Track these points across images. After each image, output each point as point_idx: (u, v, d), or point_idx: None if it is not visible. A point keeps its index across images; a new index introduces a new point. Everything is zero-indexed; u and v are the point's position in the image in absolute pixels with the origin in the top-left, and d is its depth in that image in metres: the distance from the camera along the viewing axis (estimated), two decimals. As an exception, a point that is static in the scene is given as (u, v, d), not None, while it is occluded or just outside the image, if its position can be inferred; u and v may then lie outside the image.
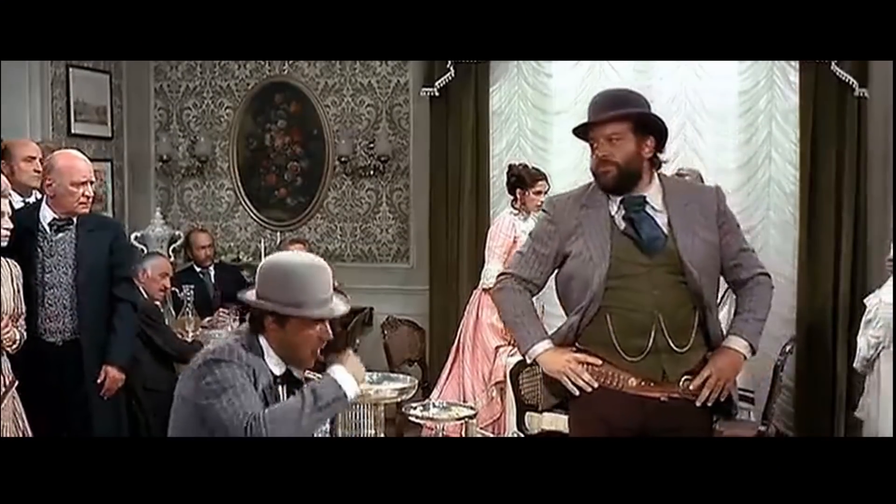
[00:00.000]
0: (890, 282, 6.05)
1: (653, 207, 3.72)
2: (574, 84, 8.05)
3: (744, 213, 7.67)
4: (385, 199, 8.64)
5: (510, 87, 8.18)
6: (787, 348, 6.59)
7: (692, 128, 7.89)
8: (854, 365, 6.29)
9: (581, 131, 3.82)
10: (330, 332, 3.31)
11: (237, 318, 6.92)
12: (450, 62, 7.89)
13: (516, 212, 6.84)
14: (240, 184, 8.99)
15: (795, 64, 7.61)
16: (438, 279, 8.19)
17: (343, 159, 8.57)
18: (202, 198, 9.06)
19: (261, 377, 3.19)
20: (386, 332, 7.35)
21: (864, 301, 6.28)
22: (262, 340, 3.28)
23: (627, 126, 3.70)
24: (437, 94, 8.06)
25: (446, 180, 8.10)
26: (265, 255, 8.51)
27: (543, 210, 4.01)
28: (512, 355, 6.33)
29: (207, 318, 6.90)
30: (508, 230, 6.75)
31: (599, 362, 3.73)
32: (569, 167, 7.80)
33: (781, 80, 7.75)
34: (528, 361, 4.00)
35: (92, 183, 5.28)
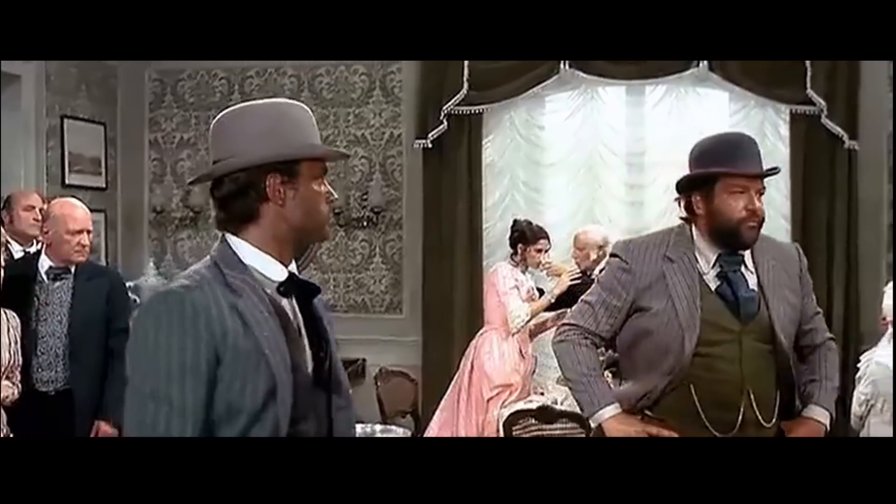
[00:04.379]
0: (883, 341, 6.06)
1: (745, 266, 3.44)
2: (567, 136, 8.11)
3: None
4: (378, 250, 8.65)
5: (503, 139, 8.23)
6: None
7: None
8: (851, 423, 6.30)
9: (708, 176, 3.33)
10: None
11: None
12: (443, 115, 7.94)
13: (515, 264, 6.87)
14: (233, 235, 8.96)
15: (786, 116, 7.69)
16: (431, 330, 8.19)
17: (336, 210, 8.58)
18: (196, 248, 9.05)
19: (247, 300, 2.25)
20: (379, 383, 7.33)
21: (861, 357, 6.28)
22: (235, 239, 2.35)
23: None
24: (430, 145, 8.11)
25: (440, 231, 8.12)
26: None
27: (616, 256, 3.52)
28: (504, 406, 6.31)
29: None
30: (510, 275, 6.77)
31: (676, 435, 3.34)
32: (563, 219, 7.86)
33: (772, 132, 7.83)
34: (592, 425, 3.56)
35: (89, 232, 5.28)
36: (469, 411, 6.73)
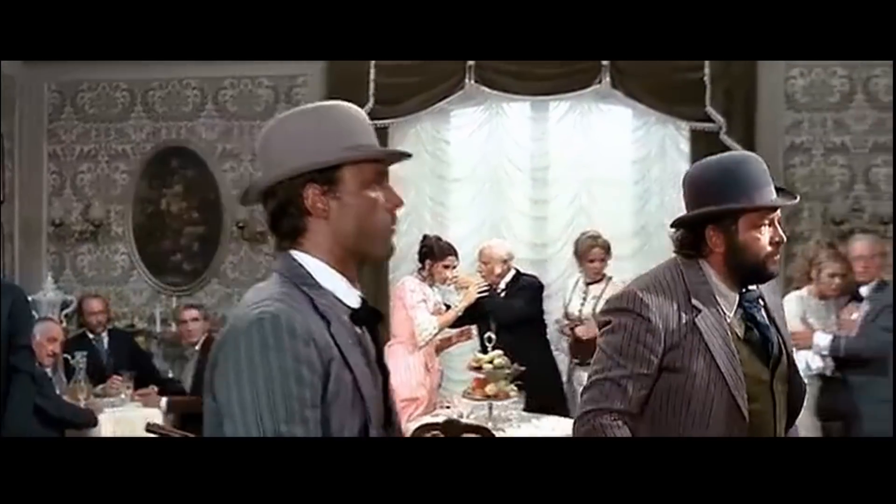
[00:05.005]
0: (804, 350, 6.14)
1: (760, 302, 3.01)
2: (472, 151, 8.17)
3: (638, 278, 7.83)
4: (283, 264, 8.56)
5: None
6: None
7: (587, 195, 8.04)
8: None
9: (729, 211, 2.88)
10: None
11: (131, 385, 6.79)
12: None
13: (422, 279, 6.87)
14: (135, 248, 8.85)
15: (686, 133, 7.84)
16: (337, 345, 8.14)
17: (240, 224, 8.51)
18: (96, 262, 8.90)
19: (337, 328, 2.02)
20: (283, 398, 7.25)
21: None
22: (303, 255, 2.09)
23: None
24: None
25: (346, 246, 8.08)
26: (160, 321, 8.40)
27: (630, 311, 2.83)
28: (411, 420, 6.30)
29: (100, 386, 6.75)
30: (418, 289, 6.77)
31: None
32: (468, 233, 7.89)
33: (672, 148, 7.99)
34: None
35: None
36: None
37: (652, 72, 7.55)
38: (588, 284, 7.04)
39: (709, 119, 7.68)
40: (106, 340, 7.67)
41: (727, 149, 7.58)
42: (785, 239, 2.89)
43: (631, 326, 2.82)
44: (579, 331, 6.89)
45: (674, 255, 2.96)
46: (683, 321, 2.82)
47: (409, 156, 2.26)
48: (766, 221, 2.86)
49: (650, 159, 8.03)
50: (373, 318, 2.13)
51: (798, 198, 3.17)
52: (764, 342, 2.88)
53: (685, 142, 7.89)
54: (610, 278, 7.01)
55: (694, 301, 2.84)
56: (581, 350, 6.78)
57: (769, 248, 2.85)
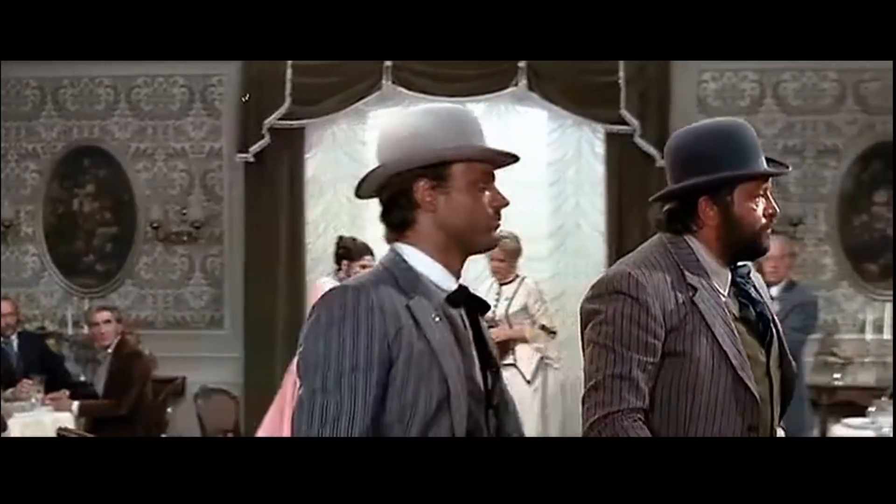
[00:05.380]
0: None
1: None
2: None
3: (553, 279, 7.94)
4: (198, 265, 8.49)
5: (326, 155, 8.22)
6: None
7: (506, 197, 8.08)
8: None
9: (726, 180, 2.66)
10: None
11: (41, 389, 6.66)
12: (265, 129, 7.87)
13: (339, 280, 6.85)
14: (46, 249, 8.69)
15: (601, 135, 7.92)
16: (254, 347, 8.10)
17: (155, 225, 8.41)
18: (5, 264, 8.70)
19: (419, 302, 2.15)
20: (199, 401, 7.18)
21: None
22: (406, 246, 2.22)
23: None
24: (251, 159, 8.03)
25: (261, 247, 8.04)
26: (72, 323, 8.26)
27: (624, 294, 2.58)
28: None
29: (10, 390, 6.62)
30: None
31: None
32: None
33: (588, 150, 8.07)
34: None
35: None
36: (292, 429, 6.65)
37: (567, 75, 7.64)
38: (501, 285, 7.09)
39: (623, 122, 7.78)
40: (16, 343, 7.52)
41: (641, 151, 7.73)
42: (778, 211, 2.72)
43: (629, 311, 2.56)
44: (493, 332, 6.91)
45: (658, 234, 2.73)
46: (681, 300, 2.59)
47: (517, 159, 2.33)
48: (761, 192, 2.67)
49: (566, 161, 8.10)
50: (471, 302, 2.25)
51: (790, 168, 3.01)
52: (759, 320, 2.67)
53: (600, 144, 7.98)
54: (523, 278, 7.07)
55: (689, 278, 2.61)
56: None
57: (763, 221, 2.66)
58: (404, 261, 2.19)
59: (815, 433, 5.79)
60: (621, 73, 7.70)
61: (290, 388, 6.74)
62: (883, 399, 6.08)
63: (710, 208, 2.62)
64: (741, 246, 2.68)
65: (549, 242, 8.08)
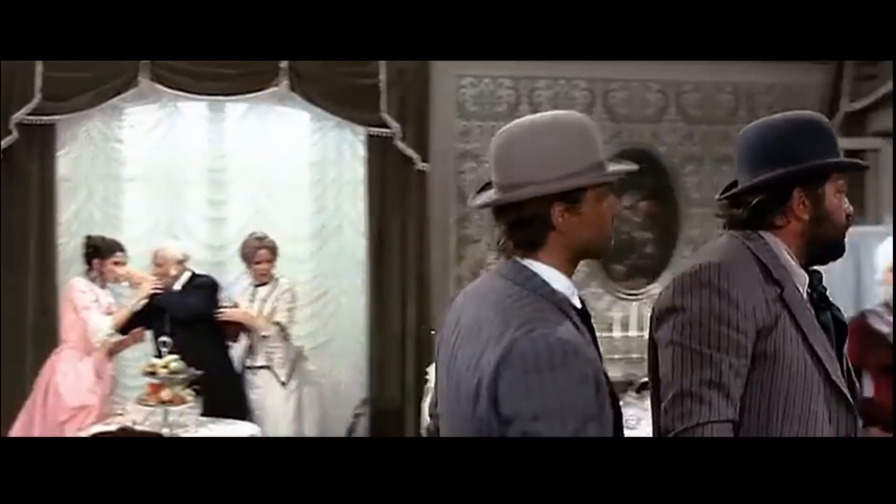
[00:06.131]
0: None
1: None
2: (147, 150, 7.96)
3: (315, 280, 7.97)
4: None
5: (79, 152, 7.91)
6: (359, 411, 6.84)
7: (266, 197, 8.04)
8: (421, 431, 6.60)
9: (821, 170, 2.49)
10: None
11: None
12: (13, 125, 7.51)
13: (92, 279, 6.66)
14: None
15: (363, 138, 7.97)
16: (3, 350, 7.65)
17: None
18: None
19: (569, 328, 2.14)
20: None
21: (428, 369, 6.61)
22: (534, 263, 2.23)
23: None
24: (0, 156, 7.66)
25: (11, 247, 7.65)
26: None
27: (714, 286, 2.34)
28: (82, 430, 6.07)
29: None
30: (88, 290, 6.56)
31: None
32: (143, 234, 7.70)
33: (350, 152, 8.11)
34: None
35: None
36: (44, 435, 6.41)
37: (329, 76, 7.64)
38: (256, 287, 7.05)
39: (384, 124, 7.85)
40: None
41: (402, 155, 7.84)
42: (853, 211, 2.55)
43: (717, 308, 2.32)
44: (226, 312, 6.88)
45: (728, 234, 2.53)
46: (772, 298, 2.37)
47: (634, 170, 2.38)
48: (842, 188, 2.51)
49: (327, 162, 8.12)
50: (589, 317, 2.28)
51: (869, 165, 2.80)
52: (835, 325, 2.49)
53: (362, 147, 8.03)
54: (277, 280, 7.05)
55: (775, 275, 2.41)
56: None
57: (846, 220, 2.52)
58: (547, 284, 2.20)
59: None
60: (382, 77, 7.77)
61: (40, 393, 6.49)
62: (630, 393, 6.40)
63: (802, 201, 2.47)
64: (826, 243, 2.51)
65: (310, 244, 8.07)
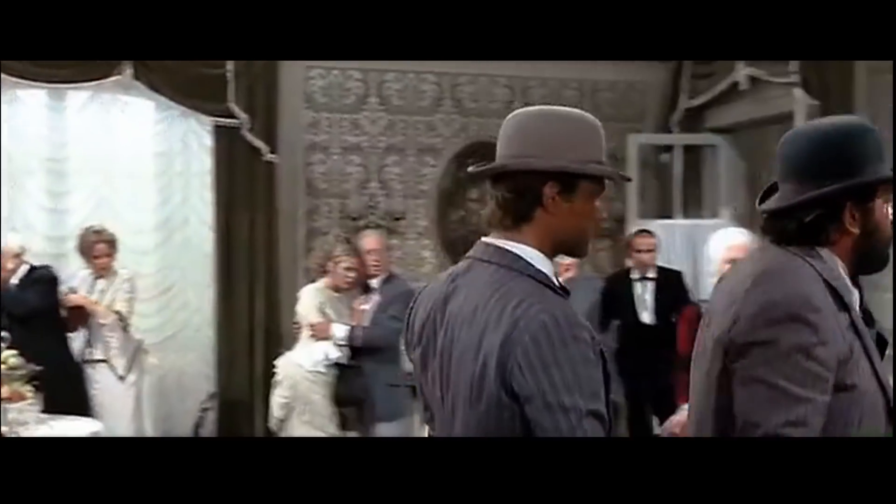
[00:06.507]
0: (299, 344, 6.44)
1: None
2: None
3: (160, 273, 7.84)
4: None
5: None
6: (207, 405, 6.77)
7: (109, 188, 7.86)
8: (269, 425, 6.58)
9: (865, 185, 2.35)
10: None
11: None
12: None
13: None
14: None
15: (209, 128, 7.87)
16: None
17: None
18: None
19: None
20: None
21: (276, 363, 6.59)
22: (516, 245, 2.27)
23: None
24: None
25: None
26: None
27: (806, 323, 2.19)
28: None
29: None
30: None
31: None
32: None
33: (196, 143, 8.00)
34: None
35: None
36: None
37: (174, 65, 7.49)
38: (96, 279, 6.90)
39: (232, 115, 7.77)
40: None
41: (250, 146, 7.77)
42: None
43: (806, 343, 2.17)
44: (70, 297, 6.75)
45: (780, 249, 2.38)
46: (845, 325, 2.24)
47: (629, 179, 2.60)
48: (888, 199, 2.39)
49: (173, 153, 7.99)
50: (568, 295, 2.32)
51: None
52: (878, 343, 2.36)
53: (209, 137, 7.93)
54: (117, 272, 6.90)
55: (845, 300, 2.28)
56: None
57: (890, 230, 2.39)
58: (531, 265, 2.25)
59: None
60: (229, 67, 7.69)
61: None
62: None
63: (853, 214, 2.33)
64: (874, 256, 2.40)
65: (155, 235, 7.94)
